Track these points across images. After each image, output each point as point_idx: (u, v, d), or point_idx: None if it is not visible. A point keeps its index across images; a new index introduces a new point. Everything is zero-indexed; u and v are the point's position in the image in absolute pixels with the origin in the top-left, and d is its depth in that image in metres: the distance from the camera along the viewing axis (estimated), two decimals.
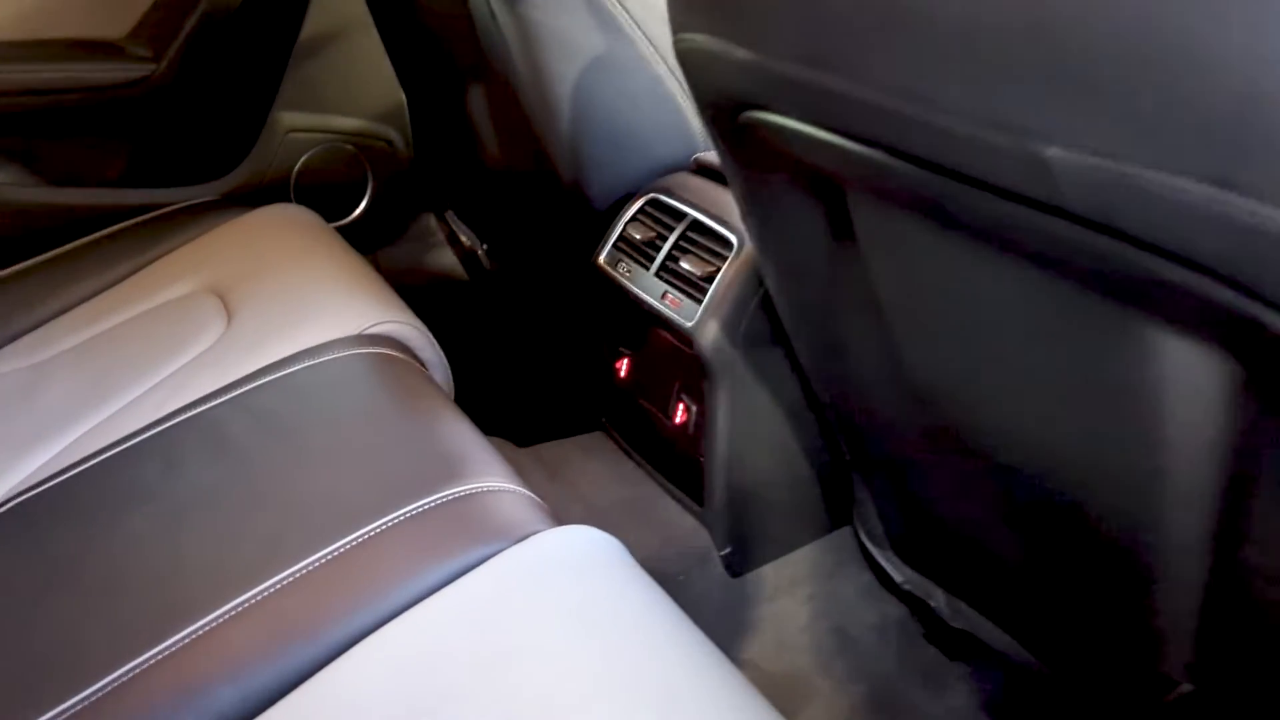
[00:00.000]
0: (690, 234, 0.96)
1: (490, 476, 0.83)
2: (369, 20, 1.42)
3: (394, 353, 1.02)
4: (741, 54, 0.49)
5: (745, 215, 0.66)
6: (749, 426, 0.97)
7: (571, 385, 1.28)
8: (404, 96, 1.48)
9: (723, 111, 0.55)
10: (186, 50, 1.36)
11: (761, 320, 0.92)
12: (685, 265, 0.95)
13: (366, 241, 1.54)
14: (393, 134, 1.51)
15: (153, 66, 1.35)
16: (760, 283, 0.91)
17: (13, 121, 1.31)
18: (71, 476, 0.90)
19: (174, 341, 1.08)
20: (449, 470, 0.82)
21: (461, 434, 0.91)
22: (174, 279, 1.20)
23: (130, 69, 1.34)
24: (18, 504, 0.88)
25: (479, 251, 1.47)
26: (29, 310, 1.21)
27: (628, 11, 0.94)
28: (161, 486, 0.85)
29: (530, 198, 1.19)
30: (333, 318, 1.06)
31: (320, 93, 1.44)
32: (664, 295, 0.96)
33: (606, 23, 0.95)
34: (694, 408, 1.03)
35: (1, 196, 1.33)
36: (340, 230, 1.50)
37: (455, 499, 0.79)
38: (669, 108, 1.01)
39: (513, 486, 0.82)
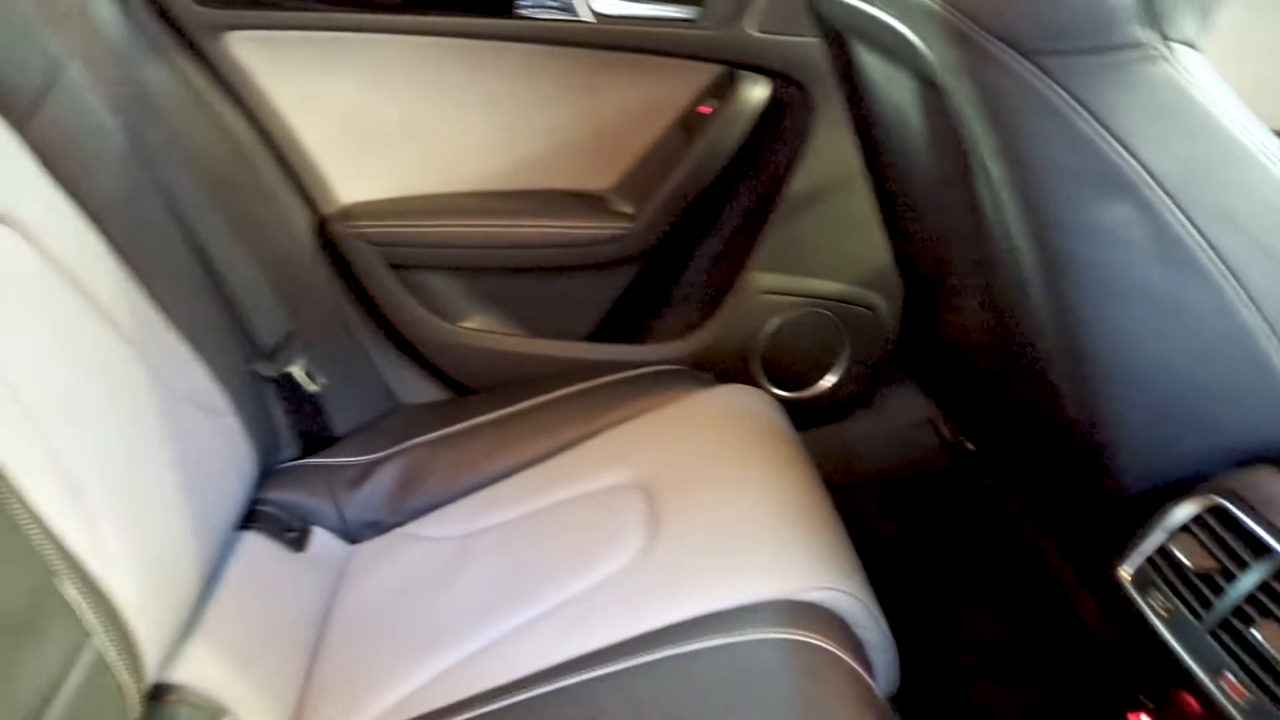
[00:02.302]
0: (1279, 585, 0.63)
1: None
2: (859, 179, 1.23)
3: (824, 643, 0.81)
4: None
5: None
6: None
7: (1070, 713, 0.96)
8: (892, 257, 1.28)
9: None
10: (668, 207, 1.27)
11: None
12: (1263, 637, 0.61)
13: (831, 412, 1.35)
14: (878, 300, 1.30)
15: (632, 223, 1.28)
16: None
17: (492, 270, 1.32)
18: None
19: (593, 548, 0.98)
20: None
21: None
22: (613, 460, 1.11)
23: (611, 225, 1.29)
24: None
25: (963, 448, 1.21)
26: (474, 468, 1.18)
27: (1215, 250, 0.64)
28: None
29: (1030, 432, 0.91)
30: (761, 568, 0.88)
31: (799, 253, 1.28)
32: (1220, 673, 0.64)
33: (1178, 259, 0.65)
34: None
35: (471, 342, 1.34)
36: (804, 401, 1.33)
37: None
38: (1257, 372, 0.69)
39: None
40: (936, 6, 0.68)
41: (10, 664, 0.67)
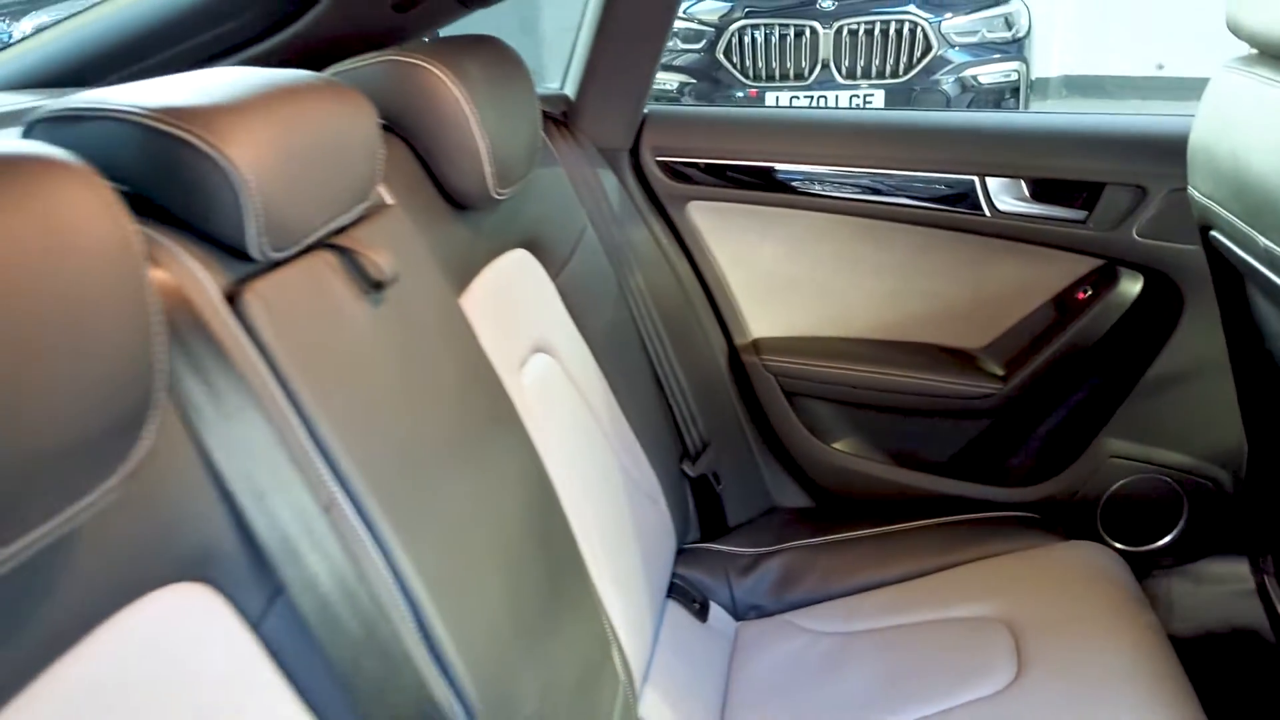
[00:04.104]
0: None
1: None
2: (1223, 363, 1.37)
3: None
4: None
5: None
6: None
7: None
8: (1245, 442, 1.40)
9: None
10: (1036, 376, 1.46)
11: None
12: None
13: (1165, 571, 1.49)
14: (1222, 475, 1.43)
15: (1001, 385, 1.48)
16: None
17: (870, 407, 1.56)
18: None
19: (963, 670, 1.17)
20: None
21: None
22: (976, 593, 1.29)
23: (981, 383, 1.50)
24: None
25: None
26: (849, 573, 1.41)
27: None
28: None
29: None
30: (1121, 709, 1.05)
31: (1153, 425, 1.44)
32: None
33: None
34: None
35: (847, 464, 1.58)
36: (1138, 554, 1.48)
37: None
38: None
39: None
40: None
41: (593, 707, 0.95)
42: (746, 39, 4.65)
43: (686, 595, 1.39)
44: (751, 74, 4.73)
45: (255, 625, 0.65)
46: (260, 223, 0.68)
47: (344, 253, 0.80)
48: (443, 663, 0.74)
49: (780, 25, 4.62)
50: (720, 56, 4.74)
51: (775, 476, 1.62)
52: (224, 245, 0.70)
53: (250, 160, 0.67)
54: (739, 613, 1.43)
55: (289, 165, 0.71)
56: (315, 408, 0.71)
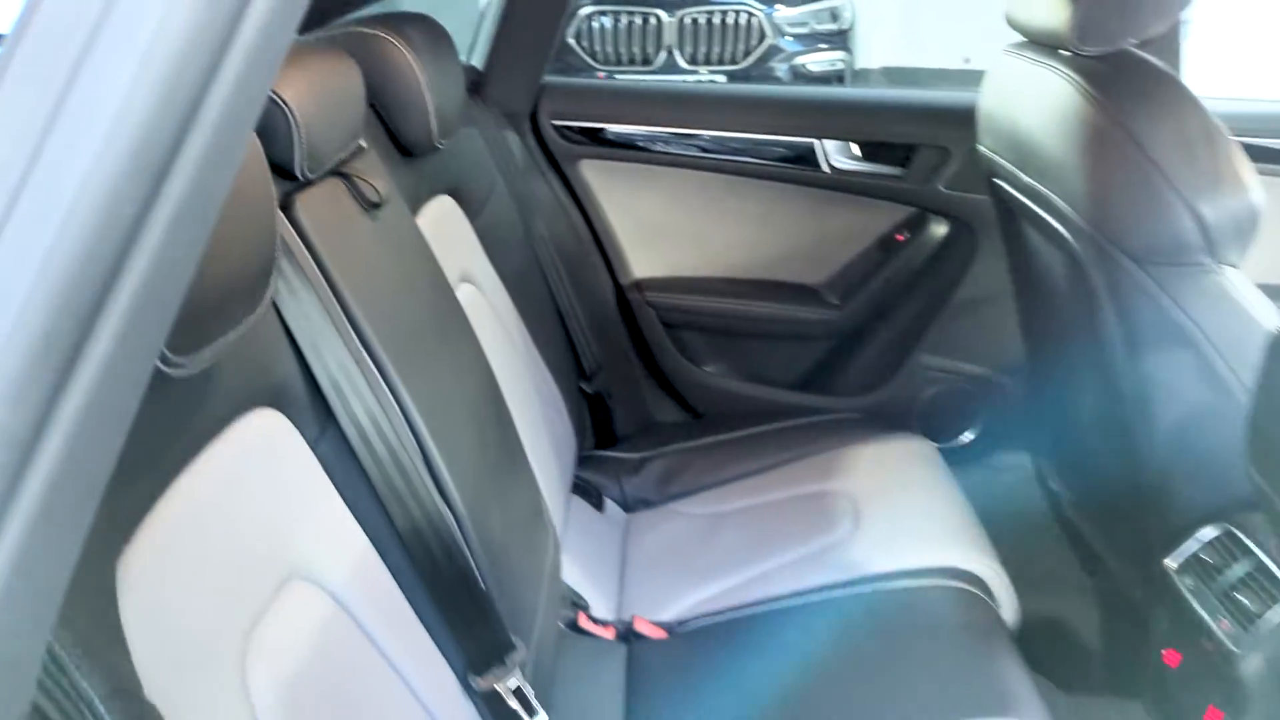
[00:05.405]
0: (1257, 575, 1.12)
1: (1024, 715, 1.08)
2: (1005, 297, 1.73)
3: (973, 589, 1.31)
4: None
5: None
6: None
7: (1125, 654, 1.45)
8: (1026, 353, 1.77)
9: None
10: (865, 304, 1.80)
11: None
12: (1244, 599, 1.11)
13: (967, 462, 1.84)
14: (1009, 382, 1.80)
15: (837, 313, 1.81)
16: None
17: (733, 334, 1.86)
18: (738, 618, 1.33)
19: (816, 525, 1.48)
20: (989, 701, 1.09)
21: (1010, 671, 1.17)
22: (822, 475, 1.60)
23: (821, 311, 1.82)
24: (706, 626, 1.33)
25: (1064, 500, 1.69)
26: (718, 470, 1.70)
27: (1238, 378, 1.13)
28: (792, 642, 1.24)
29: (1112, 479, 1.40)
30: (932, 547, 1.38)
31: (956, 342, 1.79)
32: (1218, 620, 1.13)
33: (1215, 383, 1.15)
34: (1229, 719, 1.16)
35: (715, 383, 1.88)
36: (947, 449, 1.83)
37: None
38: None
39: None
40: (1085, 226, 1.19)
41: (536, 543, 1.21)
42: (595, 25, 4.86)
43: (586, 491, 1.66)
44: (600, 58, 4.96)
45: (313, 445, 0.87)
46: (304, 149, 0.90)
47: (348, 179, 1.03)
48: (439, 481, 0.98)
49: (627, 12, 4.85)
50: (571, 41, 4.96)
51: (656, 395, 1.90)
52: (274, 165, 0.91)
53: (296, 101, 0.89)
54: (629, 506, 1.70)
55: (319, 106, 0.93)
56: (346, 291, 0.94)
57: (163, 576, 0.64)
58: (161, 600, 0.63)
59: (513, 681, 0.99)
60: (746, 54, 4.87)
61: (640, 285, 1.86)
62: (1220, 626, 1.14)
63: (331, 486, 0.88)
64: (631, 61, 4.91)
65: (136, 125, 0.38)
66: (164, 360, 0.61)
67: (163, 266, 0.40)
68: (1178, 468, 1.24)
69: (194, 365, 0.64)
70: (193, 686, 0.63)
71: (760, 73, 4.90)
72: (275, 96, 0.87)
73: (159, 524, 0.65)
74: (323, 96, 0.95)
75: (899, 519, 1.46)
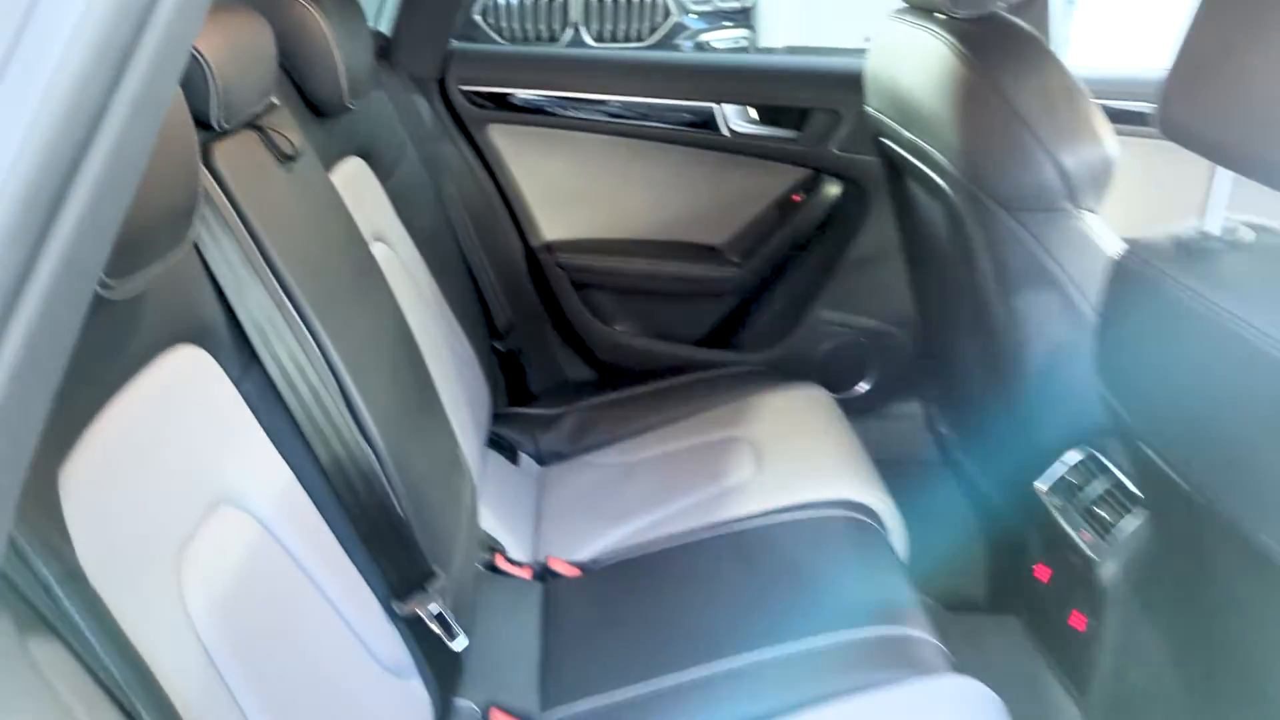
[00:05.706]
0: (1113, 491, 1.24)
1: (911, 626, 1.19)
2: (896, 253, 1.84)
3: (865, 519, 1.41)
4: None
5: None
6: (1134, 646, 1.21)
7: (1003, 574, 1.57)
8: (915, 305, 1.88)
9: None
10: (764, 261, 1.88)
11: (1151, 568, 1.16)
12: (1102, 512, 1.22)
13: (864, 411, 1.95)
14: (901, 334, 1.91)
15: (739, 271, 1.90)
16: (1159, 537, 1.15)
17: (640, 293, 1.93)
18: (649, 554, 1.40)
19: (721, 468, 1.56)
20: (879, 613, 1.19)
21: (899, 589, 1.28)
22: (725, 424, 1.69)
23: (723, 270, 1.90)
24: (618, 563, 1.40)
25: (950, 441, 1.81)
26: (628, 423, 1.77)
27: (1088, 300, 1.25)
28: (700, 572, 1.32)
29: (990, 415, 1.52)
30: (827, 482, 1.48)
31: (851, 297, 1.89)
32: (1080, 531, 1.24)
33: (1078, 321, 1.26)
34: (1091, 622, 1.29)
35: (624, 341, 1.95)
36: (845, 400, 1.93)
37: (877, 635, 1.15)
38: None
39: (927, 637, 1.16)
40: (961, 177, 1.29)
41: (454, 484, 1.26)
42: (501, 1, 4.87)
43: (501, 446, 1.71)
44: (506, 34, 4.96)
45: (237, 383, 0.91)
46: (219, 99, 0.94)
47: (262, 131, 1.06)
48: (360, 421, 1.03)
49: None
50: (477, 18, 4.94)
51: (567, 353, 1.96)
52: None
53: (213, 55, 0.93)
54: (543, 460, 1.76)
55: (234, 61, 0.97)
56: (265, 237, 0.98)
57: (100, 488, 0.68)
58: (100, 510, 0.68)
59: (434, 607, 1.05)
60: (652, 31, 4.93)
61: (550, 247, 1.91)
62: (1082, 538, 1.25)
63: (255, 422, 0.92)
64: (538, 38, 4.92)
65: (74, 75, 0.44)
66: (101, 284, 0.65)
67: (103, 197, 0.46)
68: (1046, 399, 1.35)
69: (126, 290, 0.68)
70: (132, 590, 0.68)
71: (666, 50, 4.97)
72: (194, 50, 0.91)
73: (96, 439, 0.69)
74: (237, 52, 0.98)
75: (797, 460, 1.55)
